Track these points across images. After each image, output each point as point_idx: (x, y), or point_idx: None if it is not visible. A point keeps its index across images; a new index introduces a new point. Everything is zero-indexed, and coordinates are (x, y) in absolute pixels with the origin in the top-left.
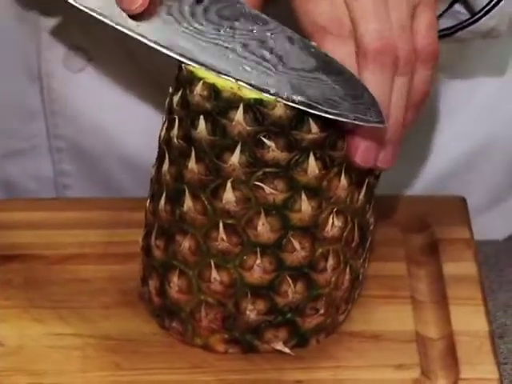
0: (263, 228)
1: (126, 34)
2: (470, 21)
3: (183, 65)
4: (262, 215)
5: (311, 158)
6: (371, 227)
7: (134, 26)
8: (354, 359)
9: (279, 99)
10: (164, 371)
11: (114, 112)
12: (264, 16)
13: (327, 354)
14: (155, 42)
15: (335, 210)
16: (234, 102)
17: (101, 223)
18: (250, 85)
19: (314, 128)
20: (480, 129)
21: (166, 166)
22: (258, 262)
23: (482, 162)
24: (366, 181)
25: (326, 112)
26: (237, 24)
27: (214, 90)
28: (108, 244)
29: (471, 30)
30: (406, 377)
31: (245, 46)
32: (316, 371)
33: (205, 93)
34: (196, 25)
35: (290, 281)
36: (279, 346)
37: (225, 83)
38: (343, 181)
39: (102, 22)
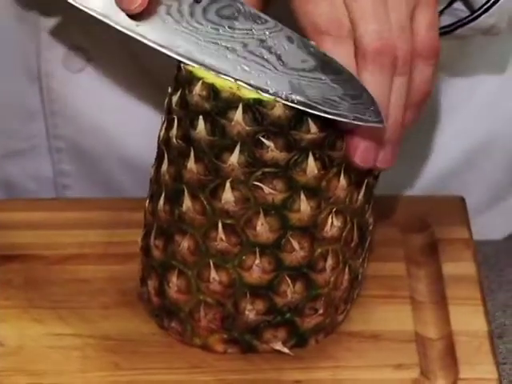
0: (262, 228)
1: (126, 34)
2: (470, 18)
3: (182, 65)
4: (261, 215)
5: (310, 158)
6: (370, 227)
7: (134, 25)
8: (353, 359)
9: (278, 99)
10: (163, 371)
11: (113, 112)
12: (263, 15)
13: (326, 354)
14: (154, 42)
15: (334, 210)
16: (233, 101)
17: (100, 223)
18: (249, 84)
19: (313, 128)
20: (480, 126)
21: (165, 166)
22: (257, 261)
23: (483, 159)
24: (365, 181)
25: (325, 112)
26: (236, 24)
27: (213, 90)
28: (108, 244)
29: (471, 26)
30: (405, 377)
31: (244, 45)
32: (315, 371)
33: (204, 93)
34: (195, 24)
35: (289, 281)
36: (278, 346)
37: (224, 83)
38: (342, 181)
39: (102, 21)
